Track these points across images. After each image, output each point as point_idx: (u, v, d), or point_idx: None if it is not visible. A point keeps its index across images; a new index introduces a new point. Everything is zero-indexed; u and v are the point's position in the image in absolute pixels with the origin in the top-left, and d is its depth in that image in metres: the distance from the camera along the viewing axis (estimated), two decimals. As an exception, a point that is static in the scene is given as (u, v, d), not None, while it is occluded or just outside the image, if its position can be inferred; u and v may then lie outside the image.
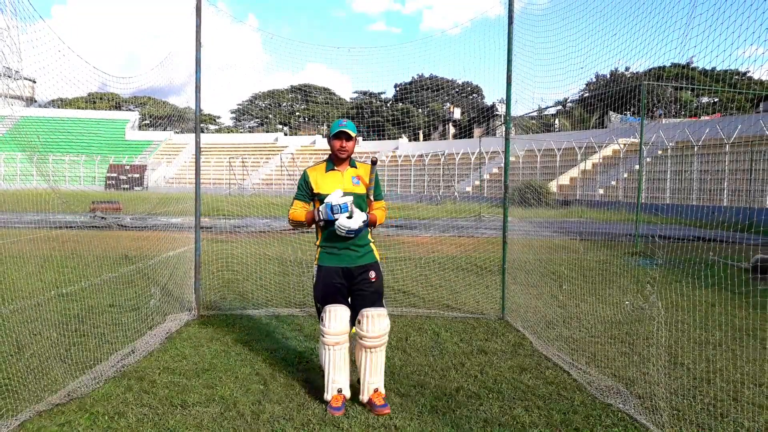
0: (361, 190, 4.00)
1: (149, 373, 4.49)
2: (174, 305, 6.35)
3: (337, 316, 3.88)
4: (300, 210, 4.07)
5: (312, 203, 4.09)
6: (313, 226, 4.08)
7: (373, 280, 3.99)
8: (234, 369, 4.64)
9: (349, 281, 3.98)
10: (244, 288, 7.39)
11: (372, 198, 4.05)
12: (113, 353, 4.85)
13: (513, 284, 6.92)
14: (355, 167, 4.09)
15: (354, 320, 4.00)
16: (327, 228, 3.95)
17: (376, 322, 3.91)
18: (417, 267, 9.07)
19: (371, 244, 4.10)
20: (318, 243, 4.07)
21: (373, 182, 4.01)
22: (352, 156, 4.12)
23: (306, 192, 4.07)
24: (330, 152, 4.09)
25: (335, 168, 4.05)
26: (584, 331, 5.82)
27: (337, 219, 3.80)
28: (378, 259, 4.10)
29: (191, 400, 4.00)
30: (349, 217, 3.81)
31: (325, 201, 3.88)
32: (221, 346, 5.25)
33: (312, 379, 4.42)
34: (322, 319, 3.92)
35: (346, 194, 3.90)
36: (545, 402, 4.08)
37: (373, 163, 3.94)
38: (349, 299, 4.04)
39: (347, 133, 3.96)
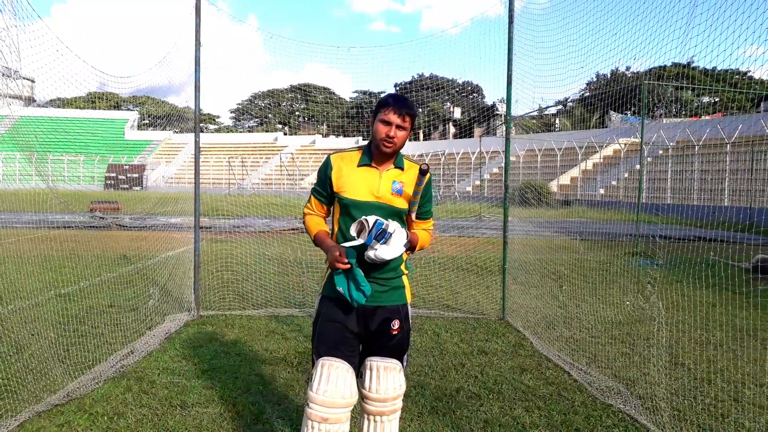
0: (401, 204, 2.69)
1: (148, 373, 4.48)
2: (173, 305, 6.34)
3: (331, 376, 2.61)
4: (314, 219, 2.82)
5: (329, 208, 2.83)
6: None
7: (395, 332, 2.71)
8: (233, 369, 4.63)
9: (363, 327, 2.71)
10: (244, 288, 7.38)
11: (414, 216, 2.77)
12: (112, 354, 4.85)
13: (513, 284, 6.91)
14: (402, 168, 2.72)
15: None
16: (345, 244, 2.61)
17: (383, 377, 2.69)
18: (417, 267, 9.05)
19: (404, 277, 2.81)
20: (327, 264, 2.73)
21: (418, 195, 2.68)
22: (401, 152, 2.74)
23: (324, 188, 2.76)
24: (369, 140, 2.73)
25: (372, 164, 2.70)
26: (585, 331, 5.81)
27: (375, 249, 2.53)
28: (408, 299, 2.83)
29: (191, 401, 3.99)
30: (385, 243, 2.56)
31: (372, 216, 2.57)
32: (221, 346, 5.23)
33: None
34: (312, 378, 2.66)
35: (379, 205, 2.66)
36: (546, 402, 4.08)
37: (423, 172, 2.61)
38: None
39: (402, 114, 2.60)
